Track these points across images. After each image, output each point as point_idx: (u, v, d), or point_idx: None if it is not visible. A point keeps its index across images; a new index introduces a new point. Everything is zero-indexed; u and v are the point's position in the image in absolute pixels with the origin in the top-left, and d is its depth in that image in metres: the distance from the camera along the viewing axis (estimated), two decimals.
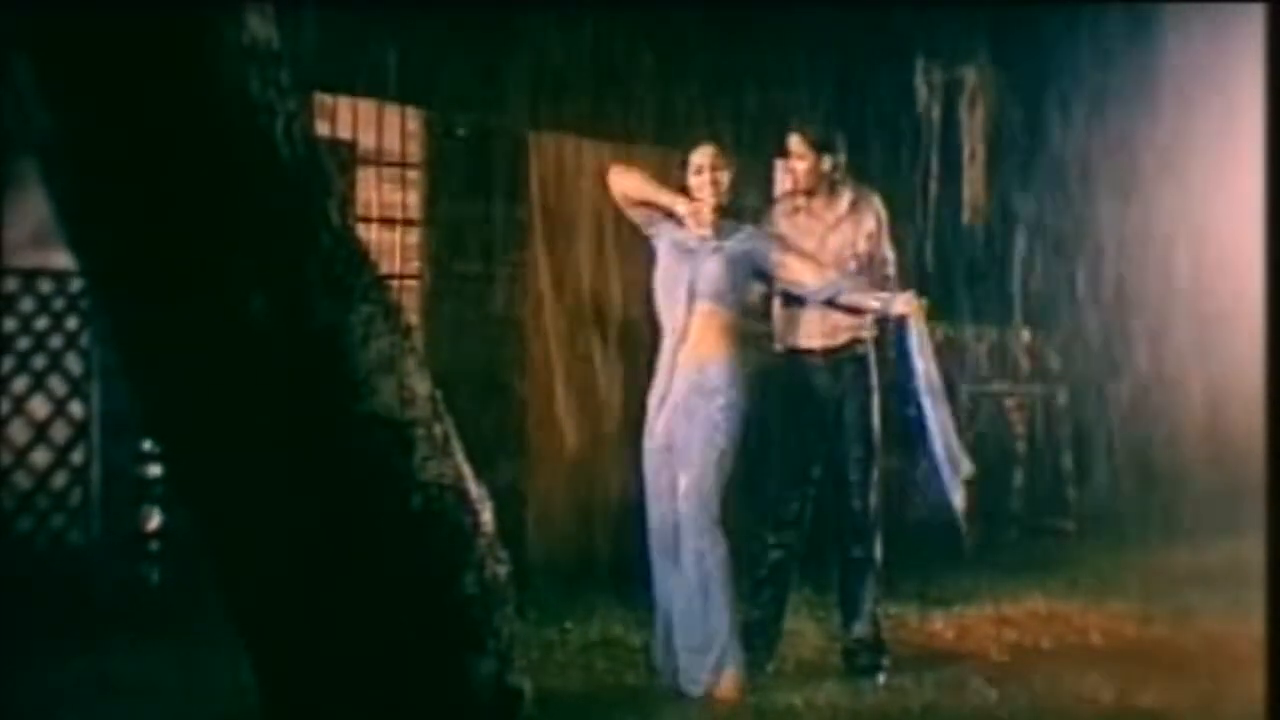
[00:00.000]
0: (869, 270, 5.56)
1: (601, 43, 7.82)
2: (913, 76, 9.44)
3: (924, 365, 5.35)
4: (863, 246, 5.55)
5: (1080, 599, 7.20)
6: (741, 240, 5.22)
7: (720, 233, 5.20)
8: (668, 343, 5.20)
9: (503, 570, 3.72)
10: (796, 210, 5.57)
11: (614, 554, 7.13)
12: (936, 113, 9.54)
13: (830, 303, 5.38)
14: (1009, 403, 9.86)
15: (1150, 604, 7.02)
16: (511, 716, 3.70)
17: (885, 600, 6.70)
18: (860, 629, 5.57)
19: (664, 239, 5.26)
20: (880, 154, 9.22)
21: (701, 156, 5.22)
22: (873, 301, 5.39)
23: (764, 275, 5.32)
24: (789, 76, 8.43)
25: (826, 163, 5.53)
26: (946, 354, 9.51)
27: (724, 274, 5.15)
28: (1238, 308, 8.70)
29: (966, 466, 5.39)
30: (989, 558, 8.41)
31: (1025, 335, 9.84)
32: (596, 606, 6.57)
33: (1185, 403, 10.63)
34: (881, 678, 5.47)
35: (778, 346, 5.64)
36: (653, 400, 5.23)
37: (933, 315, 9.32)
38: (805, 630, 5.89)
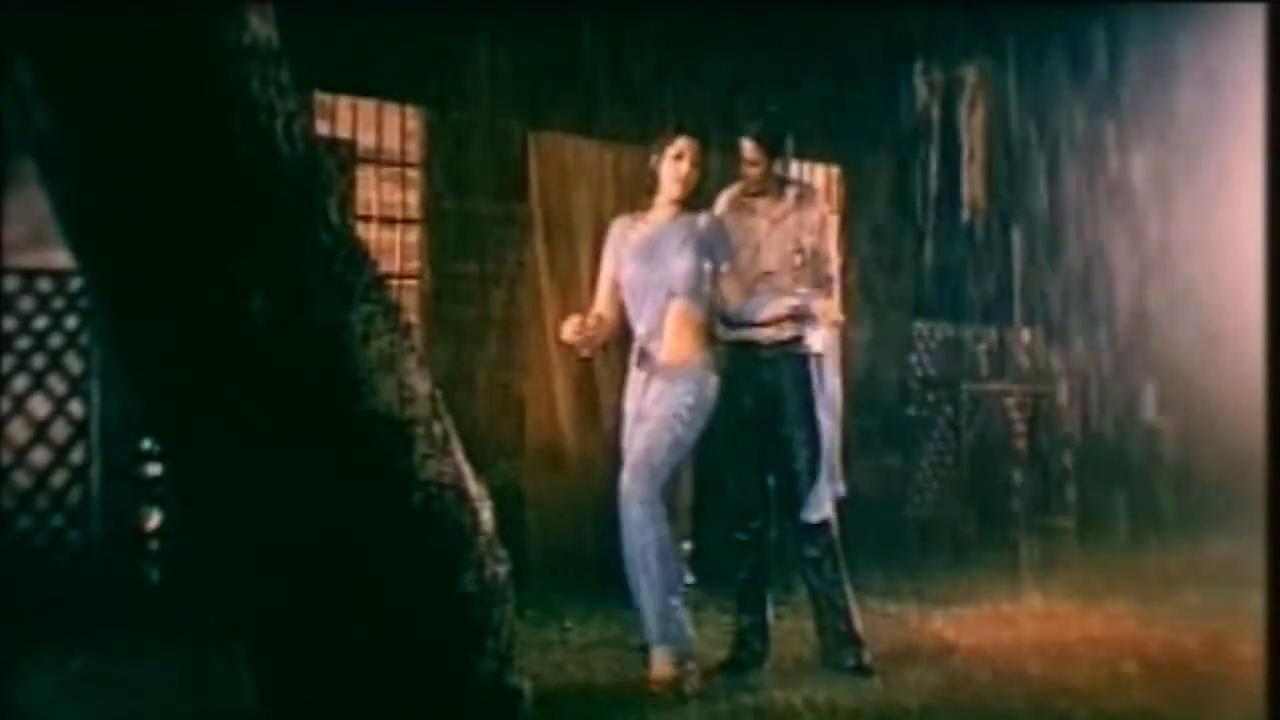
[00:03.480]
0: (812, 264, 5.58)
1: (602, 42, 7.82)
2: (912, 76, 9.44)
3: (829, 377, 5.42)
4: (806, 240, 5.57)
5: (1079, 598, 7.20)
6: (707, 228, 5.22)
7: (683, 225, 5.20)
8: (640, 345, 5.19)
9: (502, 569, 3.72)
10: (742, 207, 5.59)
11: (614, 553, 7.11)
12: (936, 112, 9.54)
13: (751, 322, 5.35)
14: (1009, 402, 9.87)
15: (1149, 603, 7.02)
16: (510, 716, 3.70)
17: (885, 600, 6.72)
18: (834, 624, 5.58)
19: (625, 248, 5.24)
20: (880, 153, 9.24)
21: (684, 145, 5.19)
22: (792, 299, 5.36)
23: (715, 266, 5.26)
24: (789, 76, 8.42)
25: (778, 165, 5.58)
26: (947, 353, 9.54)
27: (694, 269, 5.16)
28: (1238, 306, 8.72)
29: (840, 488, 5.43)
30: (988, 557, 8.42)
31: (1025, 334, 9.84)
32: (596, 606, 6.57)
33: (1185, 401, 10.64)
34: (875, 678, 5.46)
35: (726, 337, 5.53)
36: (629, 411, 5.21)
37: (933, 314, 9.48)
38: (804, 630, 5.88)
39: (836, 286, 5.69)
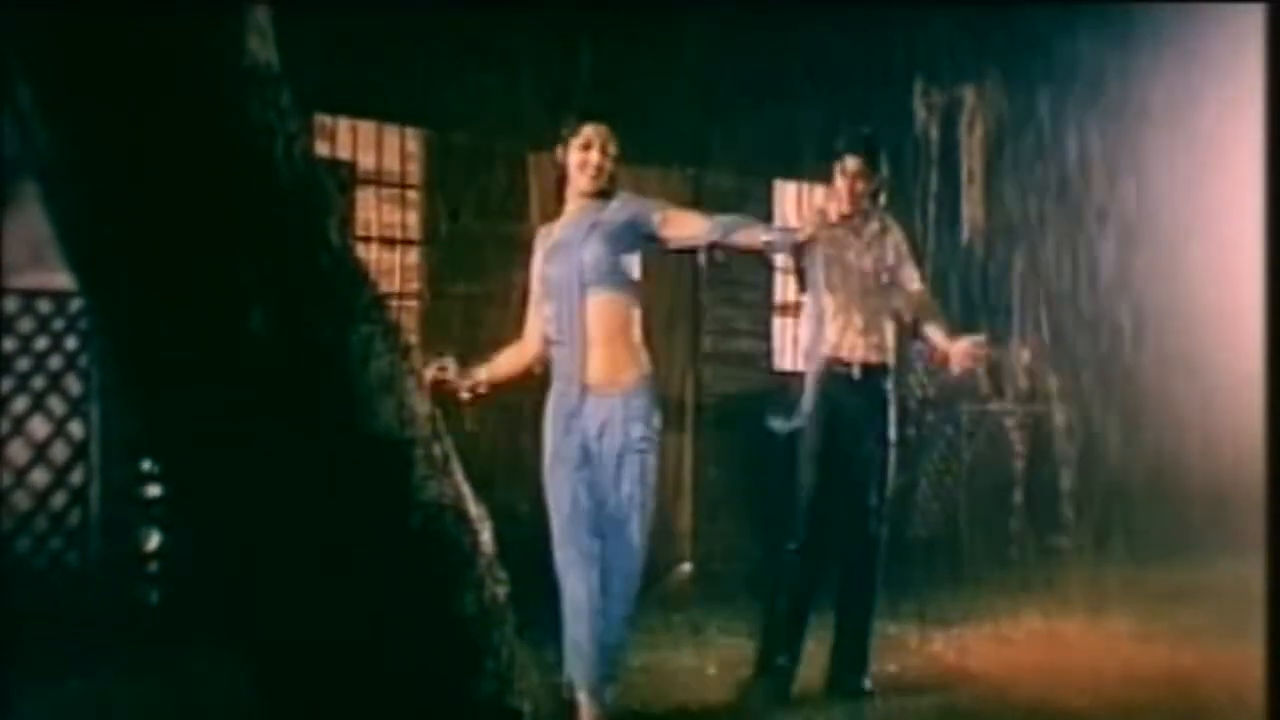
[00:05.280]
0: (896, 284, 5.68)
1: (601, 63, 7.84)
2: (912, 97, 9.46)
3: (818, 293, 5.08)
4: (890, 260, 5.68)
5: (1079, 618, 7.19)
6: (617, 211, 4.73)
7: (589, 213, 4.73)
8: (565, 351, 4.76)
9: (502, 590, 3.72)
10: (838, 227, 5.61)
11: None
12: (935, 132, 9.55)
13: (719, 246, 4.72)
14: (1008, 422, 9.86)
15: (1149, 623, 7.01)
16: None
17: (885, 621, 6.70)
18: (851, 649, 5.59)
19: (541, 253, 4.82)
20: (880, 173, 9.23)
21: (591, 133, 4.78)
22: (764, 235, 4.73)
23: (650, 239, 4.72)
24: (789, 98, 8.44)
25: (874, 182, 5.65)
26: (946, 374, 9.53)
27: (607, 252, 4.65)
28: (1238, 319, 8.70)
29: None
30: (988, 577, 8.41)
31: (1025, 355, 9.84)
32: None
33: (1184, 420, 10.62)
34: (876, 699, 5.46)
35: (821, 357, 5.23)
36: (558, 411, 4.89)
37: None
38: (807, 651, 5.87)
39: (928, 295, 5.75)
